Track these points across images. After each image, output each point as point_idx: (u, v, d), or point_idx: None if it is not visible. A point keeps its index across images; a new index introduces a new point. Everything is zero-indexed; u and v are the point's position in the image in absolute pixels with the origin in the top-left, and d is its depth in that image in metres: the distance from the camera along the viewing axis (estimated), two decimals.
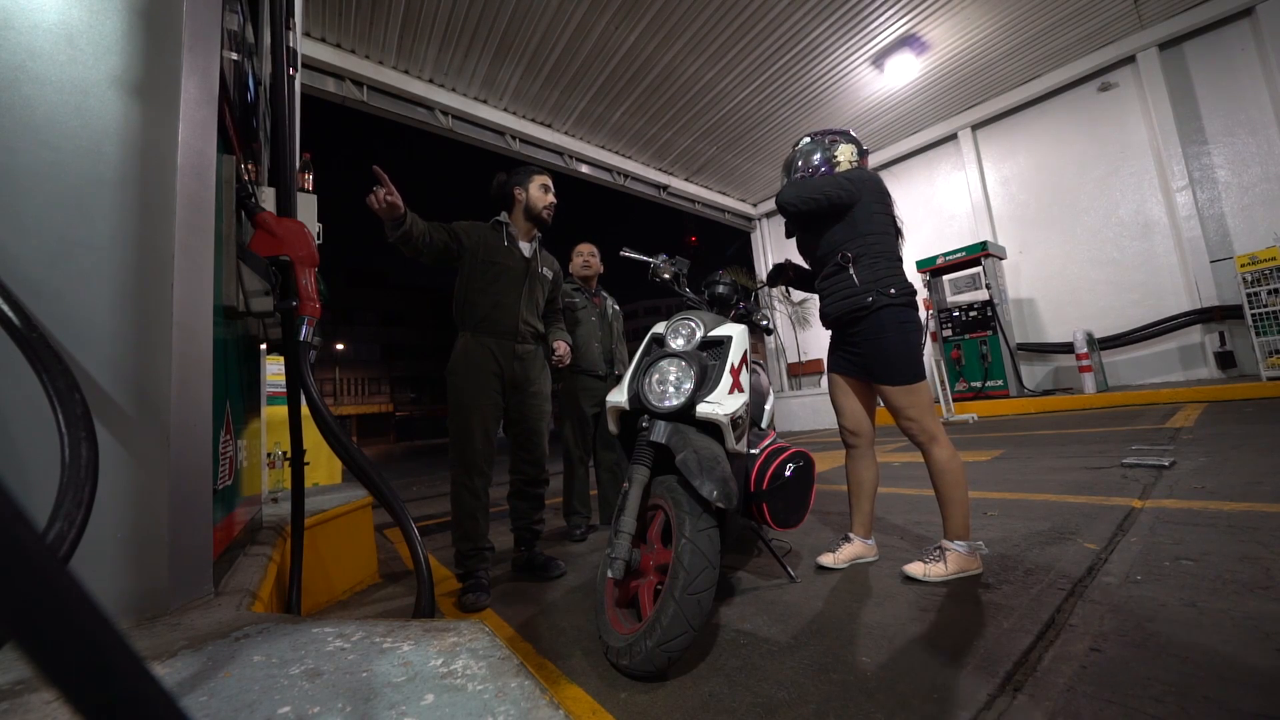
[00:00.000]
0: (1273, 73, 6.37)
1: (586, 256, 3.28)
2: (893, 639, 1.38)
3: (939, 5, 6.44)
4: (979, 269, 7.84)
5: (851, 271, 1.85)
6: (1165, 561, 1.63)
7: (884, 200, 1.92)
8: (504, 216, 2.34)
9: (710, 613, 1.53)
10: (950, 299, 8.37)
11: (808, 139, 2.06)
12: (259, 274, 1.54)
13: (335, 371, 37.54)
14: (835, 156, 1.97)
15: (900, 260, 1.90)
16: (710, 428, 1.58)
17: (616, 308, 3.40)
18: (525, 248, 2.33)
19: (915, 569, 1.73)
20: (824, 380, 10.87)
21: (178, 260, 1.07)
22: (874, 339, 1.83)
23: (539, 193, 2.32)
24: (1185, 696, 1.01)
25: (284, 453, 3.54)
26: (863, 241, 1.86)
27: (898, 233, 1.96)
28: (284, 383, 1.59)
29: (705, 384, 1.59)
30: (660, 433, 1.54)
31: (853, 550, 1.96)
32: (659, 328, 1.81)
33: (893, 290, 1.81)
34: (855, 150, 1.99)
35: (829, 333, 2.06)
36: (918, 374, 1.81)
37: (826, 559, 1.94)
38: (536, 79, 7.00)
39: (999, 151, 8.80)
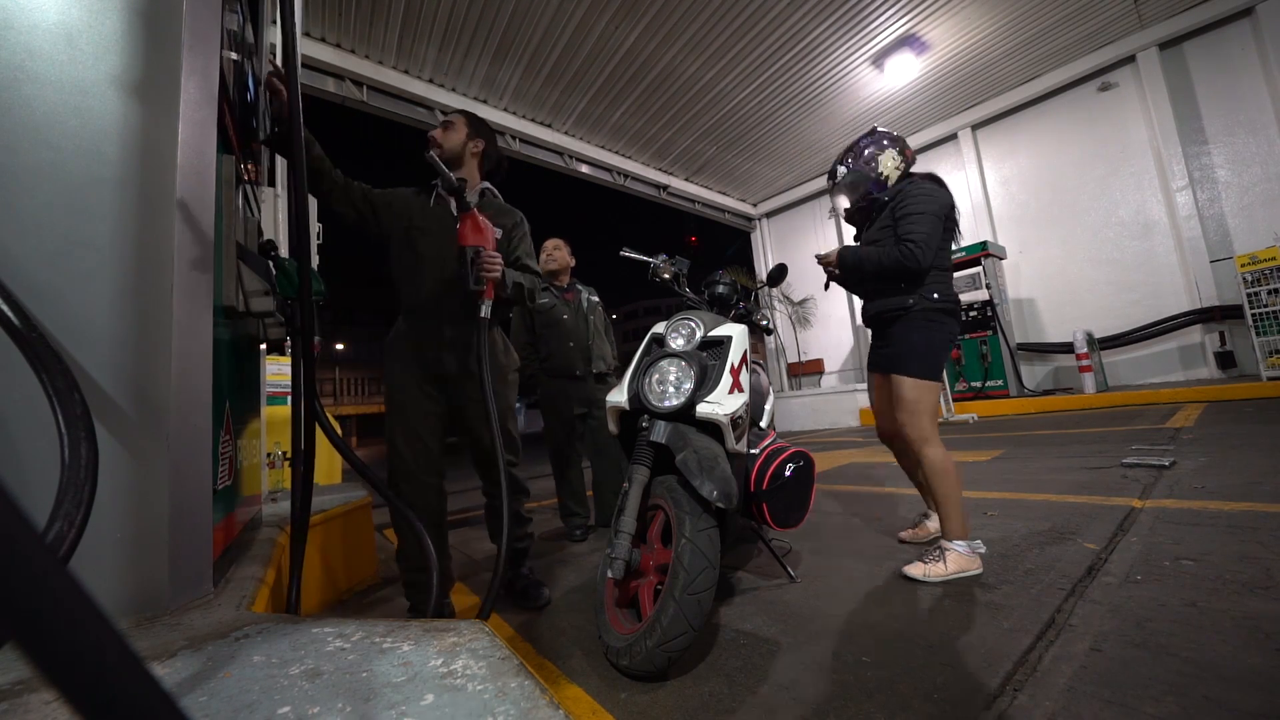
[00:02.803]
0: (1273, 73, 6.37)
1: (550, 251, 3.12)
2: (893, 639, 1.38)
3: (939, 5, 6.44)
4: (979, 269, 7.83)
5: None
6: (1165, 561, 1.63)
7: (951, 217, 1.91)
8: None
9: (710, 613, 1.53)
10: None
11: (844, 169, 2.04)
12: (259, 274, 1.54)
13: (335, 371, 37.53)
14: (880, 172, 1.98)
15: (947, 269, 1.94)
16: (710, 428, 1.58)
17: (594, 299, 3.21)
18: (454, 203, 1.88)
19: (915, 569, 1.74)
20: (824, 380, 10.89)
21: (178, 260, 1.07)
22: (904, 333, 1.91)
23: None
24: (1185, 696, 1.01)
25: (284, 453, 3.53)
26: None
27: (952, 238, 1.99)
28: (282, 382, 1.59)
29: (705, 384, 1.59)
30: (660, 433, 1.54)
31: (935, 525, 2.09)
32: (659, 328, 1.81)
33: (935, 295, 1.89)
34: (897, 152, 1.97)
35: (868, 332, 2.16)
36: (931, 373, 1.87)
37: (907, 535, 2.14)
38: (536, 79, 7.00)
39: (999, 151, 8.80)
